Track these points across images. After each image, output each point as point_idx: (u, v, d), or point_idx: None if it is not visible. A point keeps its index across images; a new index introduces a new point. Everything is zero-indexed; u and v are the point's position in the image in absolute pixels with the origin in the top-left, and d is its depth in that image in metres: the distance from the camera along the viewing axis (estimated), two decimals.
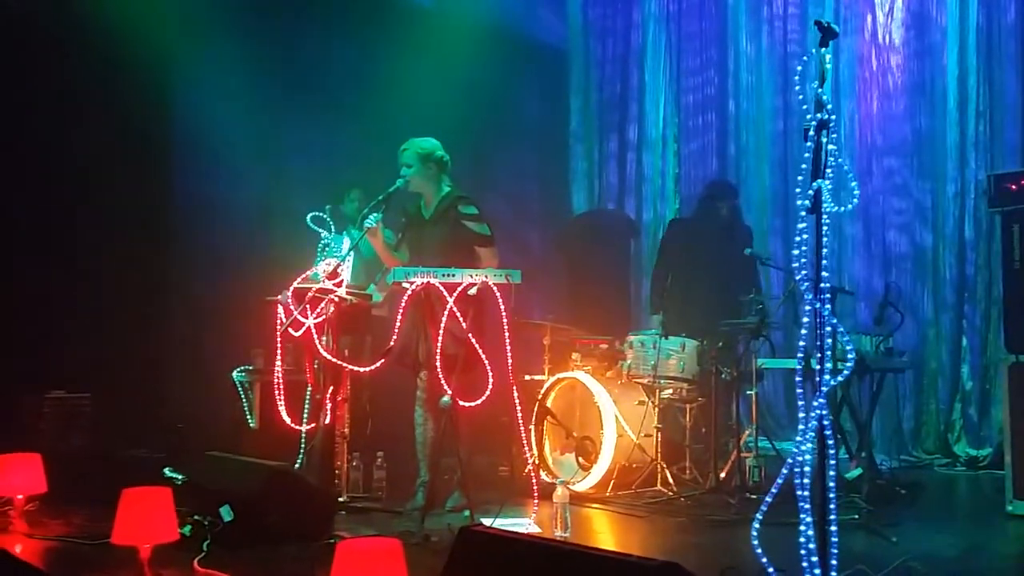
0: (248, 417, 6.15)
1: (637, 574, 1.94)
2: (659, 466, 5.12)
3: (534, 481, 4.31)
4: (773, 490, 2.42)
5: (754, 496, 4.83)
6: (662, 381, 5.25)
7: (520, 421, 4.26)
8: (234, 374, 6.19)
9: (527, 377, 5.66)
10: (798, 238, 2.30)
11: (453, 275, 4.11)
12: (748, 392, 5.14)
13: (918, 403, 6.64)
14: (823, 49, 2.49)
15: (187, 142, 6.53)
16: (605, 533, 4.42)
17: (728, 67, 7.76)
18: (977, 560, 3.90)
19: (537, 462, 4.88)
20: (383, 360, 4.29)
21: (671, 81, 8.11)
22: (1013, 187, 4.52)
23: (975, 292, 6.45)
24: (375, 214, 4.43)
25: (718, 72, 7.84)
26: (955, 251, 6.55)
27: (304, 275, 4.63)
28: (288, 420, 4.70)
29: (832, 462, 2.42)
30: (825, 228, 2.30)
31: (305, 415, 4.70)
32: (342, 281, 4.35)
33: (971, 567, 3.77)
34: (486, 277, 4.14)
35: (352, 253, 4.84)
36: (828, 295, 2.28)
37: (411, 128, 5.27)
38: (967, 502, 5.52)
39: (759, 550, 2.53)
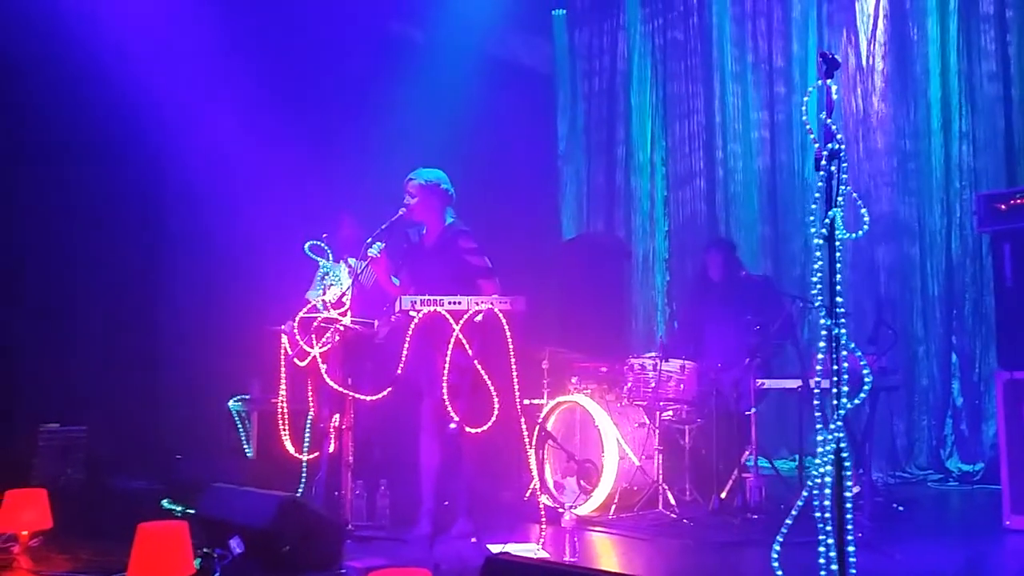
0: (245, 447, 6.13)
1: None
2: (661, 488, 5.15)
3: (541, 506, 4.33)
4: (794, 512, 2.45)
5: (756, 516, 4.88)
6: (662, 403, 5.29)
7: (526, 445, 4.28)
8: (230, 404, 6.18)
9: (527, 401, 5.67)
10: (815, 265, 2.36)
11: (459, 303, 4.14)
12: (747, 413, 5.19)
13: (910, 420, 6.72)
14: (829, 80, 2.55)
15: (182, 172, 6.54)
16: (609, 557, 4.44)
17: (714, 90, 7.87)
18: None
19: (539, 487, 4.88)
20: (389, 388, 4.30)
21: (658, 104, 8.22)
22: (1003, 207, 4.60)
23: (963, 309, 6.55)
24: (378, 243, 4.45)
25: (704, 95, 7.96)
26: (943, 269, 6.66)
27: (309, 305, 4.65)
28: (292, 450, 4.70)
29: (849, 483, 2.47)
30: (839, 254, 2.36)
31: (306, 444, 4.70)
32: (347, 310, 4.37)
33: None
34: (491, 304, 4.17)
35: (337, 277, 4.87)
36: (844, 320, 2.33)
37: (402, 155, 5.32)
38: (964, 517, 5.58)
39: (780, 572, 2.57)
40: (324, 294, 4.85)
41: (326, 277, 5.27)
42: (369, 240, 4.43)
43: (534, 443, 5.33)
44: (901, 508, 5.16)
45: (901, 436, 6.71)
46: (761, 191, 7.63)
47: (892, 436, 6.64)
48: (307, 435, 4.69)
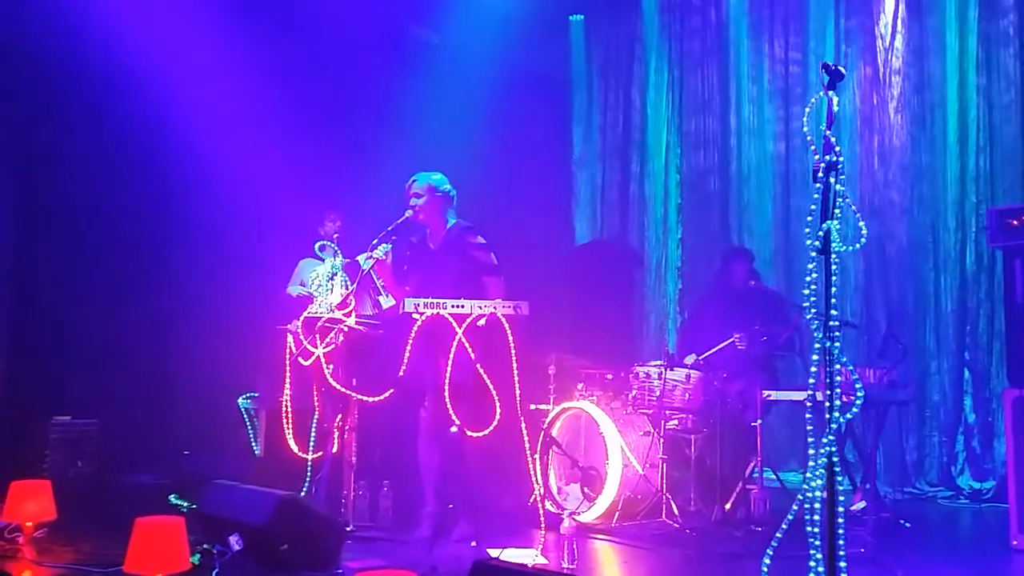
0: (253, 444, 6.18)
1: None
2: (664, 497, 5.13)
3: (541, 511, 4.33)
4: (784, 525, 2.44)
5: (759, 528, 4.85)
6: (667, 412, 5.27)
7: (527, 451, 4.28)
8: (240, 401, 6.23)
9: (532, 406, 5.68)
10: (808, 277, 2.34)
11: (462, 306, 4.15)
12: (753, 424, 5.16)
13: (921, 435, 6.64)
14: (831, 92, 2.53)
15: (196, 172, 6.59)
16: (611, 565, 4.43)
17: (730, 98, 7.84)
18: None
19: (542, 492, 4.88)
20: (392, 390, 4.32)
21: (673, 110, 8.18)
22: (1015, 222, 4.55)
23: (977, 325, 6.48)
24: (384, 244, 4.47)
25: (720, 103, 7.93)
26: (956, 284, 6.59)
27: (313, 303, 4.68)
28: (295, 448, 4.73)
29: (842, 498, 2.45)
30: (834, 267, 2.35)
31: (311, 443, 4.73)
32: (352, 311, 4.39)
33: None
34: (495, 308, 4.18)
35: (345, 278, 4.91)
36: (838, 333, 2.32)
37: (415, 158, 5.34)
38: (971, 535, 5.52)
39: None
40: (331, 292, 4.87)
41: (334, 278, 5.29)
42: (375, 242, 4.45)
43: (539, 448, 5.34)
44: (908, 524, 5.11)
45: (911, 451, 6.64)
46: (775, 200, 7.58)
47: (902, 451, 6.58)
48: (312, 434, 4.73)
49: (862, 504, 5.18)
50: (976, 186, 6.54)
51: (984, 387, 6.41)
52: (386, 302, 4.77)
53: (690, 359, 5.56)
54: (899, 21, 6.99)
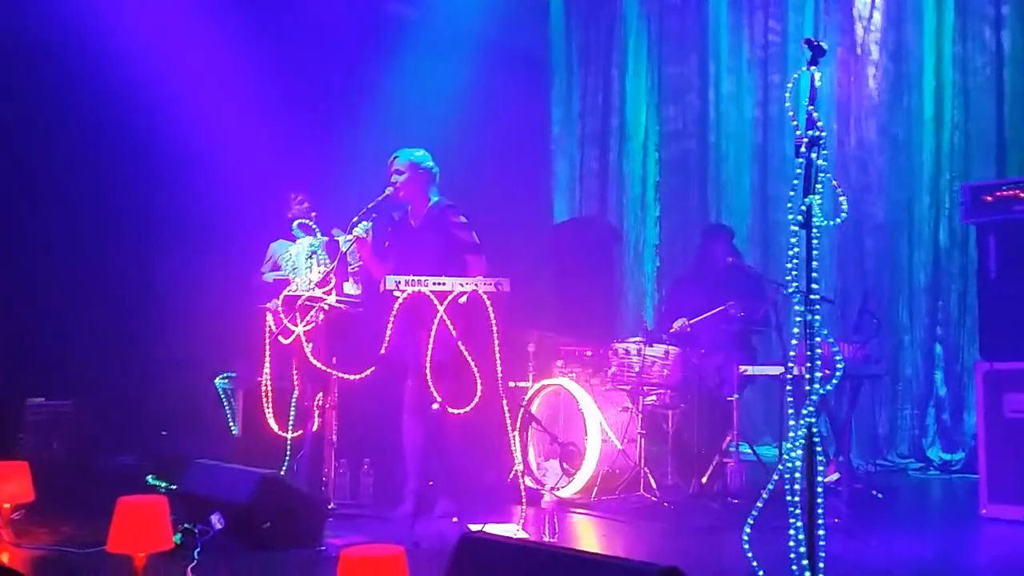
0: (231, 424, 6.15)
1: None
2: (643, 471, 5.18)
3: (521, 487, 4.36)
4: (764, 496, 2.48)
5: (736, 501, 4.92)
6: (646, 387, 5.32)
7: (508, 427, 4.31)
8: (217, 381, 6.19)
9: (512, 383, 5.70)
10: (791, 251, 2.37)
11: (443, 284, 4.15)
12: (729, 399, 5.22)
13: (893, 408, 6.77)
14: (813, 67, 2.55)
15: (172, 150, 6.50)
16: (590, 539, 4.48)
17: (709, 76, 7.86)
18: (955, 563, 4.00)
19: (522, 468, 4.92)
20: (372, 368, 4.31)
21: (652, 90, 8.19)
22: (988, 198, 4.62)
23: (949, 300, 6.59)
24: (365, 222, 4.45)
25: (699, 81, 7.94)
26: (929, 259, 6.69)
27: (291, 282, 4.66)
28: (275, 427, 4.72)
29: (820, 468, 2.49)
30: (816, 242, 2.38)
31: (291, 422, 4.72)
32: (332, 289, 4.37)
33: (949, 570, 3.87)
34: (476, 286, 4.18)
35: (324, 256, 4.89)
36: (819, 307, 2.35)
37: (393, 137, 5.31)
38: (942, 505, 5.64)
39: (750, 554, 2.59)
40: (310, 271, 4.85)
41: (316, 255, 5.26)
42: (355, 219, 4.43)
43: (518, 425, 5.37)
44: (880, 495, 5.21)
45: (883, 424, 6.76)
46: (753, 178, 7.63)
47: (874, 424, 6.69)
48: (292, 413, 4.72)
49: (836, 476, 5.27)
50: (950, 163, 6.62)
51: (955, 361, 6.53)
52: (350, 288, 4.75)
53: (679, 323, 5.59)
54: None
